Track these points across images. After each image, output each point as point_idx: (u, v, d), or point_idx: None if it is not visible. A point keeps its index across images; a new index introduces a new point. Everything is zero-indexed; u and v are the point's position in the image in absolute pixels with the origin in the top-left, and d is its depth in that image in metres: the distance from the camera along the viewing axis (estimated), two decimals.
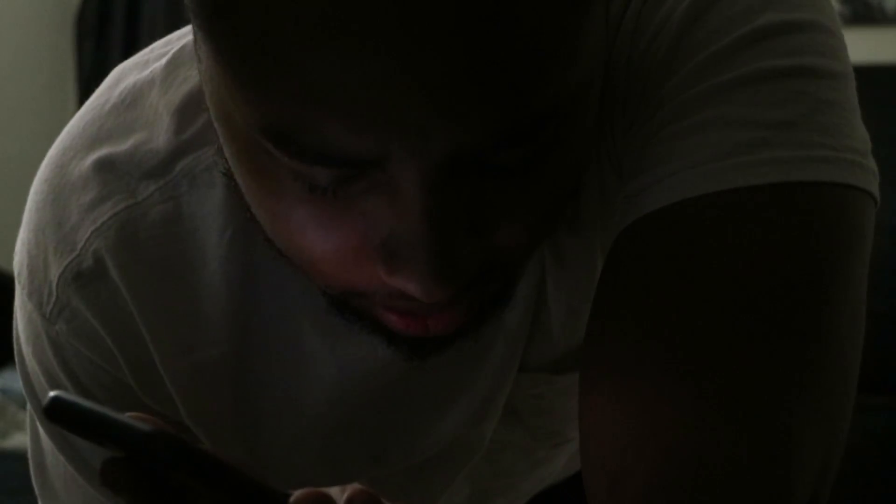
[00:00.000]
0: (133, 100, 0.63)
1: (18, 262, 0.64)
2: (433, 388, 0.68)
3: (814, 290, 0.49)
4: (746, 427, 0.48)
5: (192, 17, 0.47)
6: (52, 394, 0.46)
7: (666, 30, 0.54)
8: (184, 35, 0.65)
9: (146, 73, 0.63)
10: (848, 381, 0.50)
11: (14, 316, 0.67)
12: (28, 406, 0.69)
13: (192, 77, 0.61)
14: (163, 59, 0.63)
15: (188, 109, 0.61)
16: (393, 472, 0.74)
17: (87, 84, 3.18)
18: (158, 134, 0.61)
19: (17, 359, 0.68)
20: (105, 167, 0.61)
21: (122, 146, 0.61)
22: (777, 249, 0.49)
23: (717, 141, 0.51)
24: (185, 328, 0.63)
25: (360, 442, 0.69)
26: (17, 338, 0.67)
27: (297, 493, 0.51)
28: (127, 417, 0.46)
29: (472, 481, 0.78)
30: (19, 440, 2.16)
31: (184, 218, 0.61)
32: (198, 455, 0.46)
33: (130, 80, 0.63)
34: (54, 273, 0.62)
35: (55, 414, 0.46)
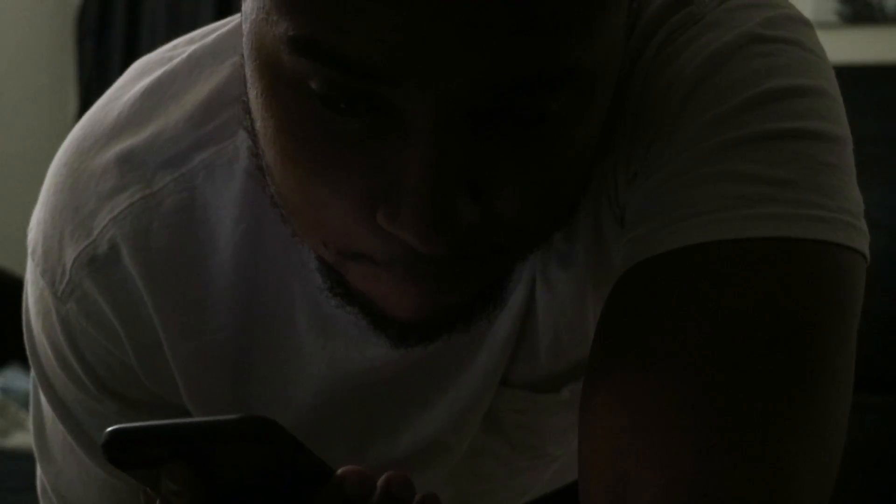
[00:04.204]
0: (154, 90, 0.64)
1: (33, 240, 0.66)
2: (416, 390, 0.70)
3: (811, 334, 0.52)
4: (749, 463, 0.49)
5: None
6: (109, 429, 0.48)
7: (675, 88, 0.56)
8: (208, 33, 0.66)
9: (169, 67, 0.65)
10: (841, 423, 0.53)
11: (24, 288, 0.69)
12: (32, 372, 0.71)
13: (217, 73, 0.63)
14: (186, 53, 0.65)
15: (212, 104, 0.63)
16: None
17: (87, 84, 3.18)
18: (179, 123, 0.63)
19: (24, 328, 0.70)
20: (124, 158, 0.63)
21: (141, 135, 0.63)
22: (776, 298, 0.52)
23: (725, 193, 0.54)
24: (194, 313, 0.65)
25: (341, 436, 0.71)
26: (27, 310, 0.69)
27: (342, 470, 0.53)
28: (188, 420, 0.49)
29: (455, 484, 0.80)
30: (20, 439, 2.16)
31: (197, 207, 0.63)
32: (280, 431, 0.49)
33: (155, 74, 0.65)
34: (69, 255, 0.64)
35: (115, 448, 0.48)
